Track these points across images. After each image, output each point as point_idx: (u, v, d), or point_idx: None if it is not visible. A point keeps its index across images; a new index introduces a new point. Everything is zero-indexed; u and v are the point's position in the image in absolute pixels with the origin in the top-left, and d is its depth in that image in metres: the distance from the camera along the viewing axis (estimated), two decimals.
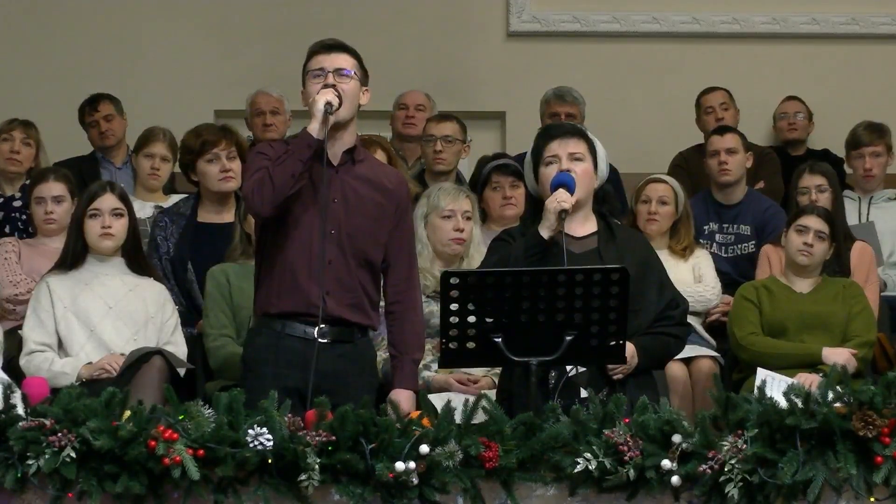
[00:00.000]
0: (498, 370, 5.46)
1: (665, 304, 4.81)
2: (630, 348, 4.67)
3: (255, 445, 4.01)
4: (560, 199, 4.66)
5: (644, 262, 4.83)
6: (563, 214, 4.64)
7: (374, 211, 4.84)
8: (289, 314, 4.78)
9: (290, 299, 4.78)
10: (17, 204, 6.99)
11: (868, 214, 7.35)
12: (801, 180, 6.84)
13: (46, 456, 3.98)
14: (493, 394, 4.88)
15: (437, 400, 4.44)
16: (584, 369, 4.65)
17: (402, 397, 4.74)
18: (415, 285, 5.01)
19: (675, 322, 4.84)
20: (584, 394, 4.43)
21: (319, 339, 4.75)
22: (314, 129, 4.70)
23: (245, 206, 4.82)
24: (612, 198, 5.02)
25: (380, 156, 6.50)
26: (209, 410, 4.07)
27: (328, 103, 4.69)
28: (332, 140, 4.80)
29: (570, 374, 4.62)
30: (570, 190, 4.70)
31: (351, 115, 4.83)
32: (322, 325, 4.76)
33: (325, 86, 4.77)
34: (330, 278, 4.77)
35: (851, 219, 7.12)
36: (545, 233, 4.68)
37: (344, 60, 4.86)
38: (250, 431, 4.02)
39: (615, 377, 4.69)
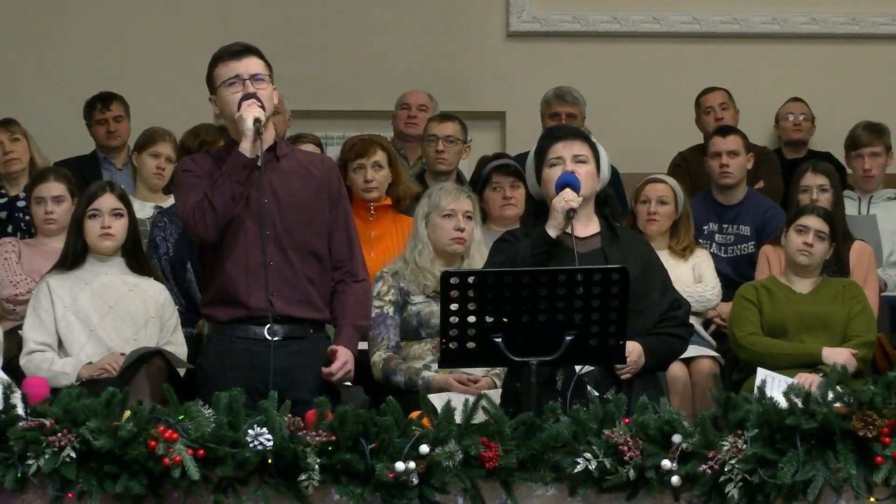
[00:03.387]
0: (498, 370, 5.46)
1: (668, 304, 4.82)
2: (637, 348, 4.68)
3: (255, 445, 4.01)
4: (568, 199, 4.67)
5: (647, 262, 4.85)
6: (570, 213, 4.65)
7: (307, 201, 4.83)
8: (238, 319, 4.79)
9: (235, 307, 4.80)
10: (21, 204, 6.99)
11: (871, 214, 7.35)
12: (802, 179, 6.84)
13: (46, 456, 3.98)
14: (493, 394, 4.88)
15: (437, 400, 4.43)
16: (592, 368, 4.65)
17: (340, 351, 4.81)
18: (358, 262, 5.01)
19: (679, 323, 4.85)
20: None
21: (271, 338, 4.76)
22: (246, 148, 4.70)
23: (189, 233, 4.78)
24: (614, 200, 5.04)
25: (380, 156, 6.51)
26: (209, 410, 4.07)
27: (257, 120, 4.68)
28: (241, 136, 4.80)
29: (578, 374, 4.63)
30: (576, 190, 4.71)
31: (268, 117, 4.82)
32: (272, 325, 4.76)
33: (246, 96, 4.76)
34: (274, 279, 4.77)
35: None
36: (553, 232, 4.69)
37: (256, 64, 4.86)
38: (250, 431, 4.02)
39: (623, 377, 4.69)
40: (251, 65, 4.84)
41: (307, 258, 4.82)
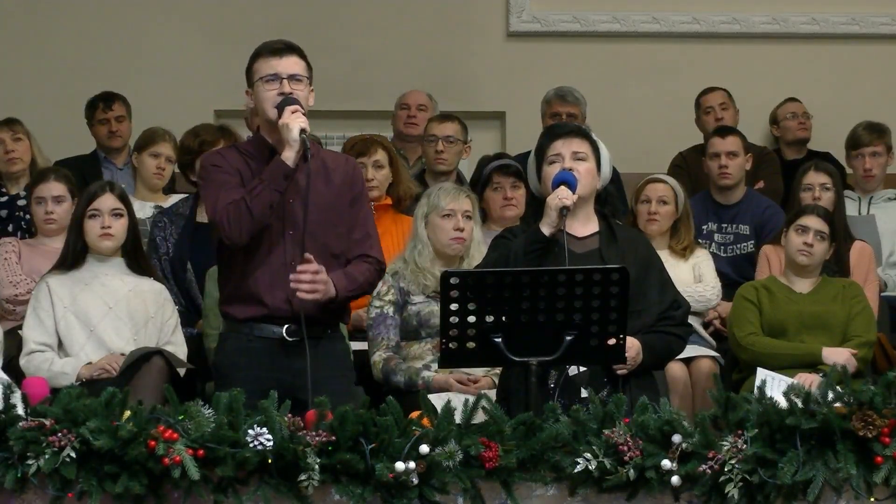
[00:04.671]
0: (498, 370, 5.46)
1: (667, 304, 4.82)
2: (635, 344, 4.67)
3: (255, 445, 4.01)
4: (561, 196, 4.66)
5: (646, 262, 4.83)
6: (564, 211, 4.64)
7: (330, 203, 4.82)
8: (256, 318, 4.79)
9: (255, 305, 4.78)
10: (22, 203, 6.99)
11: (870, 214, 7.36)
12: (805, 177, 6.84)
13: (46, 456, 3.97)
14: (493, 394, 4.88)
15: (437, 400, 4.44)
16: (585, 369, 4.65)
17: (317, 264, 4.69)
18: (376, 249, 4.97)
19: (677, 322, 4.84)
20: (584, 394, 4.43)
21: (289, 338, 4.75)
22: (290, 157, 4.68)
23: (219, 233, 4.74)
24: (615, 198, 5.03)
25: (380, 155, 6.53)
26: (209, 410, 4.07)
27: (303, 130, 4.67)
28: (284, 143, 4.78)
29: (570, 374, 4.63)
30: (572, 188, 4.70)
31: None
32: (291, 325, 4.75)
33: (288, 101, 4.74)
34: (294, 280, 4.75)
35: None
36: (546, 230, 4.68)
37: (296, 64, 4.83)
38: (250, 431, 4.02)
39: (619, 372, 4.68)
40: (291, 64, 4.82)
41: (328, 260, 4.79)
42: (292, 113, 4.70)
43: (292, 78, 4.80)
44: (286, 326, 4.76)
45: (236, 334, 4.83)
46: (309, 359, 4.68)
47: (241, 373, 4.73)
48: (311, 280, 4.69)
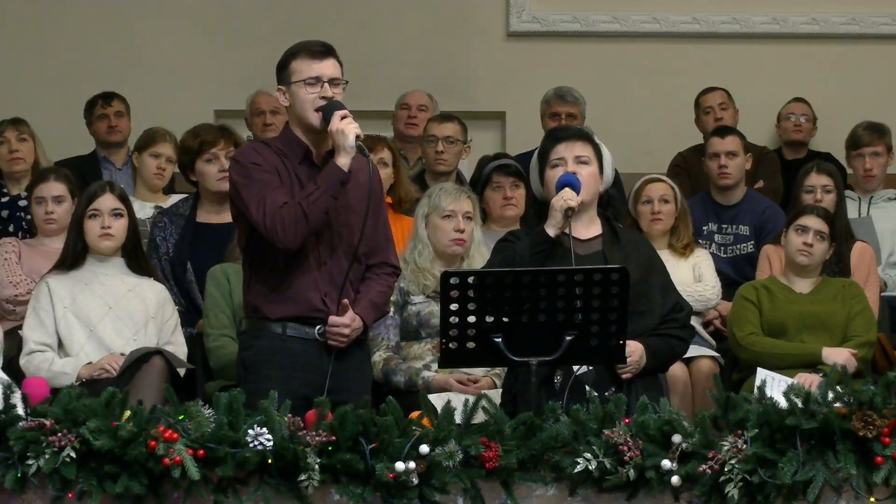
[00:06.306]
0: (498, 370, 5.47)
1: (670, 306, 4.82)
2: (639, 348, 4.69)
3: (255, 445, 4.01)
4: (566, 198, 4.68)
5: (648, 264, 4.85)
6: (569, 212, 4.66)
7: (356, 205, 4.84)
8: (288, 318, 4.79)
9: (289, 304, 4.79)
10: (23, 203, 6.98)
11: (868, 214, 7.35)
12: (807, 179, 6.83)
13: (46, 456, 3.98)
14: (493, 394, 4.89)
15: (437, 400, 4.44)
16: (591, 368, 4.65)
17: (351, 312, 4.78)
18: (393, 256, 5.01)
19: (680, 325, 4.86)
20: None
21: (321, 339, 4.78)
22: (345, 164, 4.72)
23: (268, 237, 4.73)
24: (617, 201, 5.05)
25: (385, 153, 6.56)
26: (209, 410, 4.07)
27: (358, 137, 4.71)
28: (318, 143, 4.83)
29: (576, 374, 4.63)
30: (576, 190, 4.72)
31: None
32: (322, 326, 4.77)
33: (336, 105, 4.76)
34: (324, 281, 4.78)
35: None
36: (551, 231, 4.69)
37: (334, 67, 4.86)
38: (250, 431, 4.02)
39: (624, 376, 4.69)
40: (331, 67, 4.84)
41: (351, 262, 4.83)
42: (342, 119, 4.72)
43: (332, 81, 4.82)
44: (318, 328, 4.78)
45: (268, 333, 4.83)
46: (334, 361, 4.76)
47: (275, 372, 4.75)
48: (349, 334, 4.79)
